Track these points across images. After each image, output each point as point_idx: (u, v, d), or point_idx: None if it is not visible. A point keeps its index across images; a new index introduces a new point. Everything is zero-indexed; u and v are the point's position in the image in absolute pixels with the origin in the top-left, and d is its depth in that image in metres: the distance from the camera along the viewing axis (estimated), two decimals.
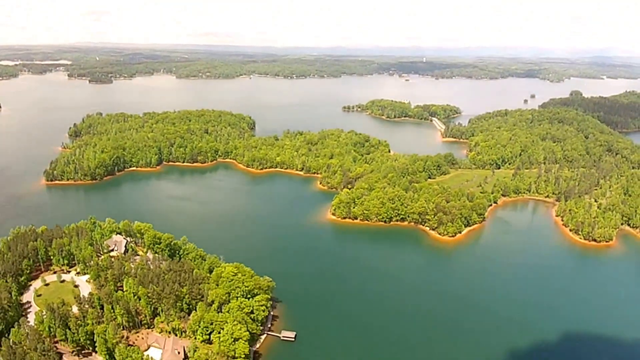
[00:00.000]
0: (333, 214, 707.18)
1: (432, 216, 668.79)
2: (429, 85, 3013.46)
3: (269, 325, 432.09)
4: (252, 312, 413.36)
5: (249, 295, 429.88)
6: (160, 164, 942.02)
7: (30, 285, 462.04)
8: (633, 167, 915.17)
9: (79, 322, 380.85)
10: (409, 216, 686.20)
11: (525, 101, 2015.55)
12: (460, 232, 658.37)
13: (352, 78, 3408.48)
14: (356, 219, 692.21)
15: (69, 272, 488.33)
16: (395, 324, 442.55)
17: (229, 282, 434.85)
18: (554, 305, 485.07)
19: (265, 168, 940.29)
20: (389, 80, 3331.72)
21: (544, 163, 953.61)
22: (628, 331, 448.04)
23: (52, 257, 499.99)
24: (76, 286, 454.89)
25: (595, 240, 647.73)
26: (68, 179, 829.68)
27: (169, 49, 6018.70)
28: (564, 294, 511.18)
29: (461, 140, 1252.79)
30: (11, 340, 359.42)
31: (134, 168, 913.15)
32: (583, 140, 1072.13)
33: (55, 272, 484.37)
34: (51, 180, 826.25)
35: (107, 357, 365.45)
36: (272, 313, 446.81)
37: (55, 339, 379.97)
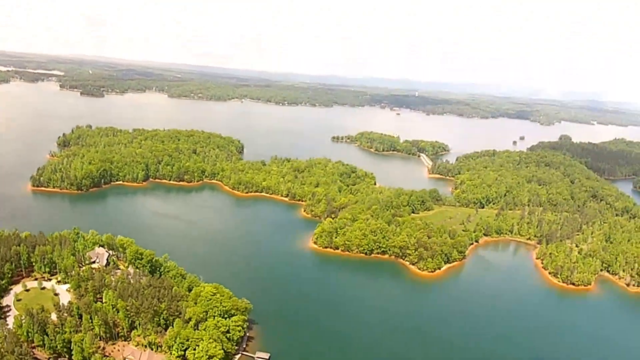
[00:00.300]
0: (315, 243, 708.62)
1: (413, 251, 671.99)
2: (420, 120, 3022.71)
3: (244, 346, 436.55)
4: (228, 332, 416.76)
5: (226, 315, 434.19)
6: (146, 180, 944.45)
7: (11, 289, 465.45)
8: (617, 215, 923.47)
9: (57, 329, 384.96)
10: (390, 249, 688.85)
11: (514, 142, 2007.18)
12: (439, 268, 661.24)
13: (344, 108, 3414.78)
14: (337, 249, 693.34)
15: (50, 280, 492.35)
16: (368, 355, 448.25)
17: (207, 301, 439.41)
18: (527, 344, 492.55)
19: (251, 192, 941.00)
20: (380, 112, 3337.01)
21: (528, 205, 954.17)
22: None
23: (34, 264, 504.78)
24: (56, 294, 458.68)
25: (573, 284, 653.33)
26: (54, 187, 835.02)
27: (162, 67, 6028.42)
28: (539, 334, 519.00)
29: (447, 177, 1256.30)
30: None
31: (120, 182, 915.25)
32: (569, 185, 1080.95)
33: (36, 279, 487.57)
34: (37, 186, 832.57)
35: None
36: (247, 334, 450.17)
37: (33, 344, 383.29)
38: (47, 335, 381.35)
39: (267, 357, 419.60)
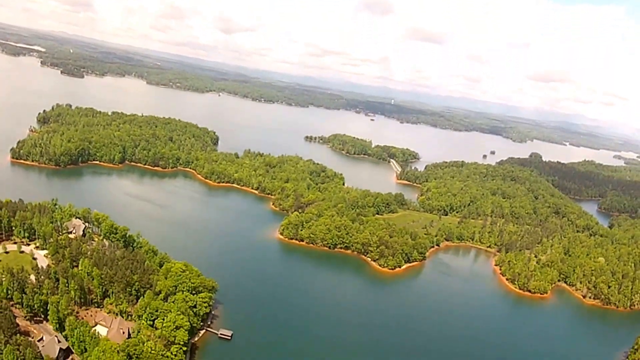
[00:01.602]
0: (281, 234, 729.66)
1: (375, 248, 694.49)
2: (393, 127, 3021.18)
3: (209, 323, 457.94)
4: (195, 307, 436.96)
5: (193, 291, 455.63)
6: (122, 162, 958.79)
7: None
8: (577, 231, 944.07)
9: (35, 289, 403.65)
10: (352, 245, 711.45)
11: (485, 156, 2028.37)
12: (399, 267, 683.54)
13: (319, 110, 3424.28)
14: (302, 241, 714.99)
15: (29, 244, 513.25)
16: (325, 338, 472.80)
17: (177, 276, 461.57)
18: (479, 343, 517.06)
19: (223, 182, 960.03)
20: (354, 117, 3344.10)
21: (491, 216, 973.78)
22: None
23: (13, 228, 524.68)
24: (34, 258, 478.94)
25: (529, 291, 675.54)
26: (33, 161, 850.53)
27: (143, 54, 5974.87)
28: (492, 335, 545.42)
29: (415, 184, 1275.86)
30: None
31: (97, 162, 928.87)
32: (532, 200, 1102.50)
33: (15, 243, 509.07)
34: (17, 159, 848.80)
35: (57, 326, 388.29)
36: (213, 312, 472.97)
37: (12, 302, 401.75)
38: (26, 294, 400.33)
39: (230, 335, 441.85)
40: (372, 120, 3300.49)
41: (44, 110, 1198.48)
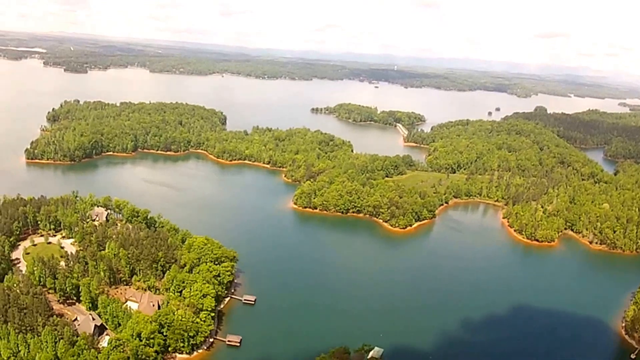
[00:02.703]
0: (295, 203, 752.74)
1: (386, 209, 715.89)
2: (397, 93, 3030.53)
3: (233, 290, 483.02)
4: (218, 276, 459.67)
5: (216, 262, 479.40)
6: (135, 150, 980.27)
7: (19, 245, 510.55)
8: (583, 179, 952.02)
9: (66, 274, 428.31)
10: (364, 208, 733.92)
11: (490, 113, 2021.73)
12: (410, 226, 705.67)
13: (323, 82, 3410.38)
14: (316, 208, 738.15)
15: (55, 235, 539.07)
16: (343, 298, 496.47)
17: (200, 249, 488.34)
18: (490, 291, 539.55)
19: (235, 160, 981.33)
20: (358, 85, 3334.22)
21: (498, 170, 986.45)
22: (542, 306, 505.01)
23: (39, 222, 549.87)
24: (62, 247, 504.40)
25: (537, 240, 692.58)
26: (48, 159, 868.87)
27: (143, 43, 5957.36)
28: (501, 283, 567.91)
29: (422, 145, 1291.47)
30: (5, 285, 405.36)
31: (111, 153, 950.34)
32: (537, 152, 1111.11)
33: (42, 235, 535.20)
34: (32, 159, 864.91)
35: (90, 305, 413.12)
36: (235, 280, 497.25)
37: (45, 288, 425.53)
38: (57, 279, 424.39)
39: (254, 300, 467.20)
40: (376, 87, 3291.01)
41: (53, 109, 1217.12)
